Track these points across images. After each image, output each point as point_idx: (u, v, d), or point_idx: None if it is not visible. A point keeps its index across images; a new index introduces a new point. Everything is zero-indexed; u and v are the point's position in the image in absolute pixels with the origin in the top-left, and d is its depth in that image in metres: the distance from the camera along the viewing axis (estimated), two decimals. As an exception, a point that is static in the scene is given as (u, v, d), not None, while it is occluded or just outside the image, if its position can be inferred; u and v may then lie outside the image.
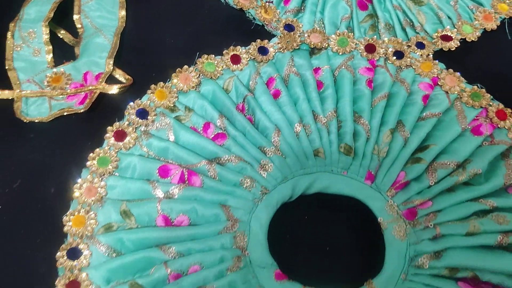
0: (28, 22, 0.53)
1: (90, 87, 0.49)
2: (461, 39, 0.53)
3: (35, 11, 0.54)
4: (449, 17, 0.54)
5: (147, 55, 0.53)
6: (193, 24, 0.55)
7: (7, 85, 0.50)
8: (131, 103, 0.47)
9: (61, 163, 0.46)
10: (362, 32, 0.54)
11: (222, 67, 0.50)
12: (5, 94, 0.49)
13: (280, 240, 0.42)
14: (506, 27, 0.54)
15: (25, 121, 0.47)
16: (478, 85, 0.49)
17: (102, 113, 0.48)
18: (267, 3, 0.55)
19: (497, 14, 0.54)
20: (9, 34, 0.53)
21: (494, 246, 0.39)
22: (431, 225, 0.41)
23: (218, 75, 0.49)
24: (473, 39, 0.53)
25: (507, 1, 0.55)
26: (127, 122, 0.46)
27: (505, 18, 0.55)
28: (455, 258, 0.39)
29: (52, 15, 0.53)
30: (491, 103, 0.48)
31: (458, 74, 0.50)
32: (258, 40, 0.52)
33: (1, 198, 0.44)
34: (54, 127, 0.48)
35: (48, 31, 0.52)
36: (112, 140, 0.45)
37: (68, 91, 0.49)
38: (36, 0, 0.55)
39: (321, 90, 0.49)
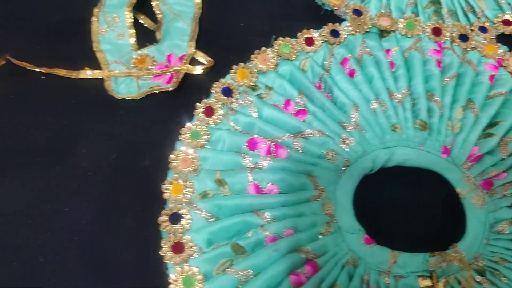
0: (111, 7, 0.57)
1: (176, 68, 0.52)
2: (521, 23, 0.55)
3: (118, -3, 0.57)
4: (508, 3, 0.57)
5: (224, 38, 0.56)
6: (266, 9, 0.58)
7: (96, 66, 0.53)
8: (216, 82, 0.50)
9: (153, 137, 0.49)
10: (426, 17, 0.56)
11: (297, 49, 0.53)
12: (96, 73, 0.52)
13: (364, 209, 0.45)
14: None
15: (117, 98, 0.50)
16: (542, 64, 0.51)
17: (188, 91, 0.52)
18: (332, -10, 0.58)
19: (555, -2, 0.57)
20: (93, 19, 0.56)
21: None
22: (508, 194, 0.43)
23: (294, 56, 0.52)
24: (533, 23, 0.55)
25: None
26: (214, 99, 0.49)
27: None
28: (533, 224, 0.42)
29: (135, 1, 0.56)
30: (557, 80, 0.50)
31: (522, 55, 0.52)
32: (330, 24, 0.54)
33: (100, 170, 0.47)
34: (143, 104, 0.51)
35: (131, 16, 0.56)
36: (201, 115, 0.48)
37: (154, 71, 0.52)
38: (117, -13, 0.58)
39: (393, 70, 0.51)
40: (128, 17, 0.56)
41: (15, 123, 0.50)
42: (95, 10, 0.57)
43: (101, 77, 0.52)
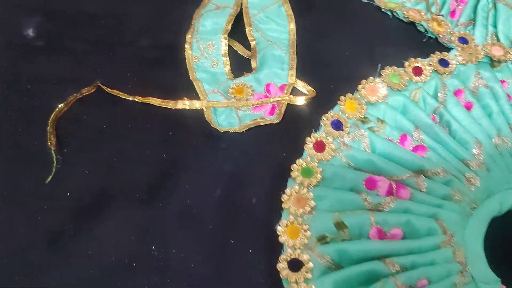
0: (205, 34, 0.54)
1: (277, 98, 0.49)
2: None
3: (211, 23, 0.55)
4: None
5: (323, 66, 0.53)
6: (364, 36, 0.55)
7: (192, 95, 0.51)
8: (326, 114, 0.47)
9: (259, 172, 0.46)
10: (538, 45, 0.53)
11: (406, 78, 0.50)
12: (194, 104, 0.50)
13: (496, 256, 0.41)
14: None
15: (221, 131, 0.48)
16: None
17: (292, 123, 0.49)
18: (438, 17, 0.55)
19: None
20: (186, 46, 0.54)
21: None
22: None
23: (403, 86, 0.49)
24: None
25: None
26: (324, 133, 0.46)
27: None
28: None
29: (230, 27, 0.54)
30: None
31: None
32: (437, 52, 0.51)
33: (205, 208, 0.44)
34: (245, 136, 0.48)
35: (227, 43, 0.53)
36: (312, 150, 0.45)
37: (254, 102, 0.50)
38: (209, 13, 0.56)
39: (511, 103, 0.48)
40: (224, 44, 0.53)
41: (109, 157, 0.48)
42: (188, 36, 0.54)
43: (200, 108, 0.49)
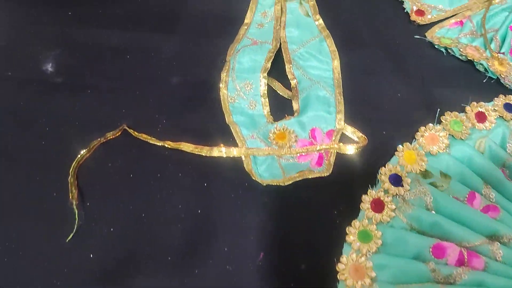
0: (242, 72, 0.50)
1: (324, 146, 0.44)
2: None
3: (249, 60, 0.50)
4: None
5: (373, 109, 0.48)
6: (417, 75, 0.50)
7: (229, 141, 0.46)
8: (383, 168, 0.42)
9: (307, 234, 0.40)
10: None
11: (468, 125, 0.44)
12: (232, 152, 0.44)
13: None
14: None
15: (263, 184, 0.42)
16: None
17: (343, 176, 0.43)
18: (499, 54, 0.49)
19: None
20: (222, 85, 0.49)
21: None
22: None
23: (466, 135, 0.44)
24: None
25: None
26: (382, 190, 0.41)
27: None
28: None
29: (269, 65, 0.49)
30: None
31: None
32: (502, 96, 0.46)
33: (247, 274, 0.39)
34: (289, 191, 0.43)
35: (266, 83, 0.48)
36: (369, 211, 0.39)
37: (298, 149, 0.44)
38: (246, 48, 0.51)
39: None
40: (263, 83, 0.48)
41: (136, 212, 0.42)
42: (223, 74, 0.50)
43: (238, 156, 0.44)
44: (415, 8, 0.54)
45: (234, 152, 0.44)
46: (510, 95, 0.46)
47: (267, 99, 0.48)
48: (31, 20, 0.57)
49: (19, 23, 0.57)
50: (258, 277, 0.39)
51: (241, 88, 0.48)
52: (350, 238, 0.38)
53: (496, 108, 0.45)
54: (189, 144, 0.45)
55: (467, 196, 0.41)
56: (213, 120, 0.47)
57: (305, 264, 0.39)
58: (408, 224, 0.39)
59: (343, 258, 0.37)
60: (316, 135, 0.45)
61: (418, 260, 0.37)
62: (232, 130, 0.46)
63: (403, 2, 0.55)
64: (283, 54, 0.51)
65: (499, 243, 0.38)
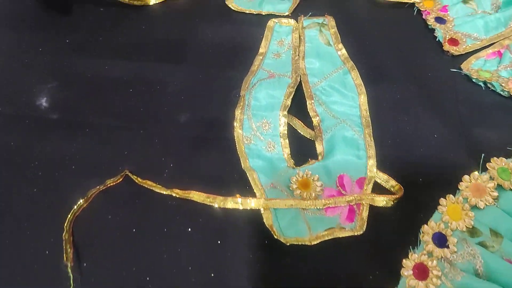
0: (259, 109, 0.44)
1: (355, 197, 0.39)
2: None
3: (266, 96, 0.45)
4: None
5: (407, 153, 0.42)
6: (454, 114, 0.45)
7: (245, 189, 0.40)
8: (425, 225, 0.36)
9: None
10: None
11: (517, 174, 0.39)
12: (249, 204, 0.39)
13: None
14: None
15: (286, 243, 0.37)
16: None
17: (378, 233, 0.38)
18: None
19: None
20: (236, 124, 0.44)
21: None
22: None
23: (515, 184, 0.38)
24: None
25: None
26: (425, 252, 0.35)
27: None
28: None
29: (289, 102, 0.44)
30: None
31: None
32: (555, 138, 0.41)
33: None
34: (317, 251, 0.37)
35: (286, 122, 0.43)
36: (412, 279, 0.34)
37: (324, 201, 0.39)
38: (263, 82, 0.46)
39: None
40: (283, 123, 0.43)
41: (140, 273, 0.37)
42: (237, 112, 0.44)
43: (256, 208, 0.39)
44: (448, 37, 0.49)
45: (252, 203, 0.39)
46: None
47: (287, 140, 0.43)
48: (23, 48, 0.52)
49: (10, 51, 0.52)
50: None
51: (258, 127, 0.43)
52: (392, 312, 0.33)
53: (547, 152, 0.40)
54: (200, 193, 0.39)
55: (524, 260, 0.35)
56: (227, 164, 0.42)
57: None
58: (457, 294, 0.33)
59: (384, 337, 0.32)
60: (345, 184, 0.40)
61: None
62: (249, 177, 0.41)
63: (434, 30, 0.50)
64: (304, 88, 0.46)
65: None
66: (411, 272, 0.34)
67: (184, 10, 0.55)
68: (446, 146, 0.42)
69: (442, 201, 0.38)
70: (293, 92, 0.45)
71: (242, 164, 0.41)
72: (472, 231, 0.36)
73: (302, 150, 0.43)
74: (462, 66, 0.47)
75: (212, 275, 0.36)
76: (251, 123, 0.44)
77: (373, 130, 0.43)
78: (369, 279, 0.35)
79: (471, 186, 0.38)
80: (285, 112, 0.43)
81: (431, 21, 0.51)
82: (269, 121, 0.43)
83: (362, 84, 0.46)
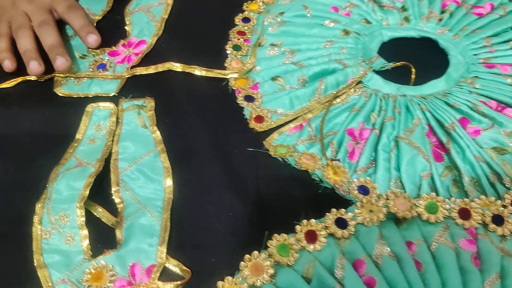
0: (58, 202, 0.45)
1: (141, 287, 0.40)
2: (561, 193, 0.46)
3: (67, 188, 0.46)
4: (538, 166, 0.48)
5: (203, 234, 0.44)
6: (251, 190, 0.47)
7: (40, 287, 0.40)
8: (198, 315, 0.38)
9: None
10: (446, 190, 0.47)
11: (297, 247, 0.42)
12: (34, 304, 0.39)
13: None
14: None
15: None
16: None
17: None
18: (334, 162, 0.48)
19: None
20: (36, 219, 0.44)
21: None
22: None
23: (294, 259, 0.41)
24: None
25: None
26: None
27: None
28: None
29: (87, 193, 0.45)
30: None
31: None
32: (334, 210, 0.44)
33: None
34: None
35: (83, 213, 0.44)
36: None
37: (113, 292, 0.40)
38: (67, 173, 0.47)
39: (420, 272, 0.41)
40: (80, 214, 0.44)
41: None
42: (37, 206, 0.45)
43: (42, 309, 0.39)
44: (254, 114, 0.53)
45: (36, 304, 0.39)
46: (343, 209, 0.44)
47: (85, 231, 0.44)
48: None
49: None
50: None
51: (56, 220, 0.44)
52: None
53: (327, 225, 0.43)
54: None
55: (290, 336, 0.37)
56: (24, 262, 0.42)
57: None
58: None
59: None
60: (136, 272, 0.41)
61: None
62: (39, 274, 0.41)
63: (243, 108, 0.54)
64: (111, 175, 0.47)
65: None
66: None
67: (10, 99, 0.56)
68: (241, 223, 0.45)
69: (219, 284, 0.39)
70: (92, 182, 0.46)
71: (35, 261, 0.42)
72: (247, 312, 0.38)
73: (104, 239, 0.44)
74: (264, 142, 0.51)
75: None
76: (50, 217, 0.44)
77: (174, 213, 0.45)
78: None
79: (251, 265, 0.40)
80: (82, 204, 0.44)
81: (240, 100, 0.54)
82: (67, 213, 0.44)
83: (170, 167, 0.48)
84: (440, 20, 0.63)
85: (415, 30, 0.62)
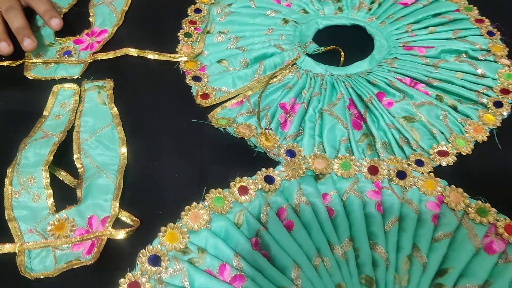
0: (26, 167, 0.52)
1: (97, 234, 0.47)
2: (457, 153, 0.55)
3: (34, 155, 0.53)
4: (441, 132, 0.56)
5: (152, 191, 0.52)
6: (196, 156, 0.55)
7: (9, 238, 0.47)
8: (143, 250, 0.45)
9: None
10: (361, 152, 0.55)
11: (231, 200, 0.49)
12: (6, 248, 0.46)
13: None
14: (496, 137, 0.57)
15: (30, 278, 0.44)
16: (482, 199, 0.50)
17: (111, 262, 0.46)
18: (267, 130, 0.56)
19: (485, 125, 0.57)
20: (7, 181, 0.51)
21: None
22: None
23: (228, 209, 0.49)
24: (467, 152, 0.55)
25: (491, 111, 0.58)
26: (139, 272, 0.44)
27: (493, 128, 0.57)
28: None
29: (51, 158, 0.52)
30: (498, 218, 0.49)
31: (460, 190, 0.51)
32: (263, 169, 0.52)
33: None
34: (60, 281, 0.45)
35: (48, 175, 0.51)
36: (125, 295, 0.43)
37: (73, 239, 0.47)
38: (34, 143, 0.54)
39: (332, 217, 0.49)
40: (45, 176, 0.51)
41: None
42: (9, 170, 0.52)
43: (13, 251, 0.46)
44: (201, 92, 0.60)
45: (7, 247, 0.46)
46: (271, 168, 0.52)
47: (51, 191, 0.51)
48: None
49: None
50: None
51: (25, 182, 0.51)
52: (103, 323, 0.41)
53: (257, 181, 0.51)
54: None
55: (219, 268, 0.45)
56: (-5, 218, 0.49)
57: None
58: (162, 303, 0.42)
59: None
60: (92, 223, 0.49)
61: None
62: (10, 226, 0.48)
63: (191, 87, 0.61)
64: (74, 144, 0.55)
65: (239, 311, 0.42)
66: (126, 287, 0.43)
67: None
68: (185, 183, 0.52)
69: (162, 228, 0.47)
70: (55, 149, 0.53)
71: (6, 215, 0.49)
72: (185, 251, 0.46)
73: (67, 198, 0.51)
74: (208, 115, 0.58)
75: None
76: (19, 179, 0.51)
77: (127, 176, 0.53)
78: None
79: (190, 214, 0.48)
80: (46, 167, 0.51)
81: (188, 80, 0.62)
82: (34, 175, 0.51)
83: (125, 137, 0.56)
84: (370, 9, 0.72)
85: (347, 18, 0.71)
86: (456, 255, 0.46)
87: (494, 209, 0.49)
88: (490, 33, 0.68)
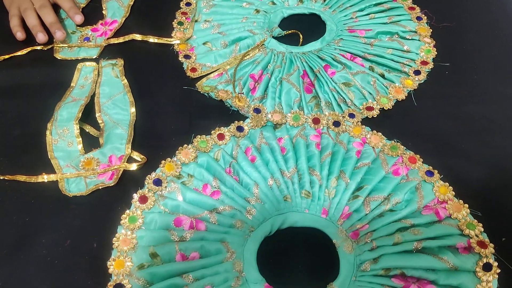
0: (61, 121, 0.71)
1: (116, 167, 0.66)
2: (380, 108, 0.73)
3: (66, 113, 0.72)
4: (370, 93, 0.75)
5: (155, 138, 0.71)
6: (186, 113, 0.74)
7: (51, 171, 0.66)
8: (149, 175, 0.64)
9: (99, 224, 0.61)
10: (310, 109, 0.74)
11: (212, 143, 0.68)
12: (51, 177, 0.65)
13: (266, 263, 0.59)
14: (412, 97, 0.75)
15: (69, 196, 0.63)
16: (395, 140, 0.69)
17: (126, 184, 0.65)
18: (240, 94, 0.75)
19: (405, 88, 0.76)
20: (47, 132, 0.70)
21: (413, 250, 0.57)
22: (369, 240, 0.59)
23: (209, 149, 0.68)
24: (389, 108, 0.74)
25: (411, 78, 0.77)
26: (147, 189, 0.63)
27: (411, 90, 0.76)
28: (387, 262, 0.56)
29: (80, 115, 0.71)
30: (405, 152, 0.67)
31: (380, 134, 0.70)
32: (236, 121, 0.71)
33: (57, 255, 0.59)
34: (90, 198, 0.64)
35: (78, 128, 0.70)
36: (137, 203, 0.62)
37: (98, 171, 0.66)
38: (66, 105, 0.73)
39: (284, 154, 0.67)
40: (76, 128, 0.70)
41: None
42: (49, 124, 0.71)
43: (56, 180, 0.65)
44: (190, 67, 0.79)
45: (52, 177, 0.65)
46: (242, 121, 0.71)
47: (80, 139, 0.70)
48: None
49: None
50: (65, 256, 0.59)
51: (61, 133, 0.70)
52: (122, 221, 0.60)
53: (231, 130, 0.70)
54: (22, 175, 0.65)
55: (202, 187, 0.64)
56: (41, 158, 0.68)
57: (96, 242, 0.60)
58: (163, 209, 0.62)
59: (117, 234, 0.59)
60: (112, 160, 0.68)
61: (165, 229, 0.60)
62: (52, 163, 0.67)
63: (183, 63, 0.80)
64: (95, 106, 0.74)
65: (216, 213, 0.61)
66: (137, 199, 0.62)
67: (23, 63, 0.82)
68: (178, 132, 0.71)
69: (162, 162, 0.66)
70: (83, 109, 0.72)
71: (49, 155, 0.68)
72: (178, 176, 0.65)
73: (92, 144, 0.70)
74: (196, 84, 0.77)
75: (27, 219, 0.62)
76: (57, 130, 0.70)
77: (136, 128, 0.71)
78: (118, 209, 0.62)
79: (182, 152, 0.67)
80: (77, 122, 0.70)
81: (181, 58, 0.81)
82: (67, 128, 0.70)
83: (134, 101, 0.75)
84: (325, 0, 0.90)
85: (306, 8, 0.89)
86: (371, 177, 0.65)
87: (403, 147, 0.68)
88: (419, 18, 0.86)
